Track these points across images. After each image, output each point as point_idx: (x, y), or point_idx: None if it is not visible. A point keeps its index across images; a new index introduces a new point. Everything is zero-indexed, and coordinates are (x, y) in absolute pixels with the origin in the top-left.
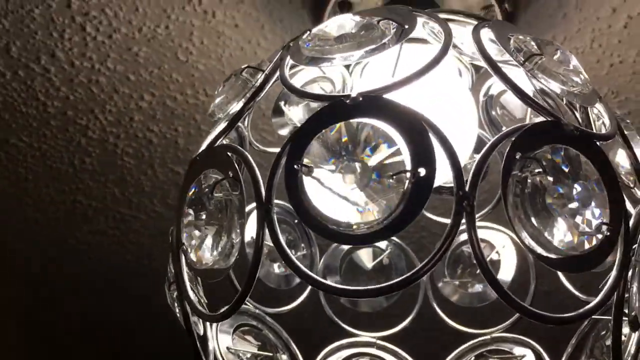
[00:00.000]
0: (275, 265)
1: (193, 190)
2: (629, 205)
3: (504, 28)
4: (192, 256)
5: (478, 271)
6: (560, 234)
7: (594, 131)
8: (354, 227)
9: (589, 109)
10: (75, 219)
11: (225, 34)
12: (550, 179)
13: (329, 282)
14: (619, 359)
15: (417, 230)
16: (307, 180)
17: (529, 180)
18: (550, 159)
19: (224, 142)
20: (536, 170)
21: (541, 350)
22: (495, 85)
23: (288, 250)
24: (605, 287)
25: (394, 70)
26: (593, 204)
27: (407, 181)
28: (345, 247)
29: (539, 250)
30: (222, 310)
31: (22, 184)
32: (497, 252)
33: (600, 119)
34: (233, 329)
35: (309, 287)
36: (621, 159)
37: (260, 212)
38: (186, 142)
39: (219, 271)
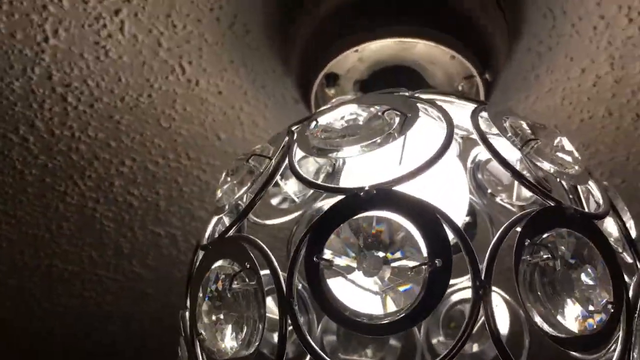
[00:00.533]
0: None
1: (209, 280)
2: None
3: (498, 112)
4: (210, 345)
5: (474, 331)
6: (571, 315)
7: (589, 210)
8: (375, 319)
9: (578, 186)
10: (51, 283)
11: (208, 100)
12: (559, 263)
13: None
14: None
15: None
16: (327, 272)
17: (539, 265)
18: (556, 243)
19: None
20: (545, 256)
21: None
22: (482, 153)
23: (310, 339)
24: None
25: (400, 159)
26: (599, 284)
27: (425, 273)
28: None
29: (550, 330)
30: None
31: None
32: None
33: (590, 194)
34: None
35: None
36: (609, 225)
37: (282, 306)
38: (167, 204)
39: (242, 359)
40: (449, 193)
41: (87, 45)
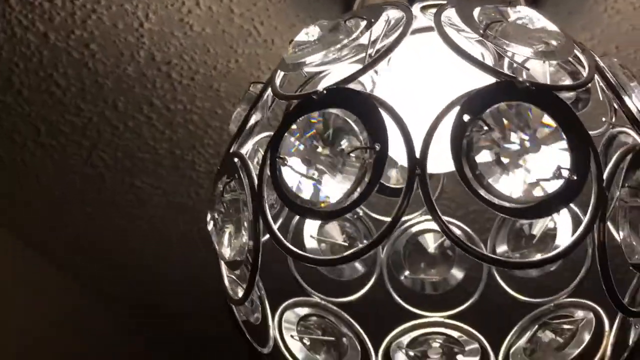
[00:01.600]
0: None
1: (215, 193)
2: None
3: (468, 5)
4: (218, 251)
5: (534, 241)
6: (519, 185)
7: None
8: (322, 204)
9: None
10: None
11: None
12: (499, 135)
13: (303, 252)
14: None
15: (482, 215)
16: (285, 169)
17: (477, 141)
18: (497, 116)
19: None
20: (484, 128)
21: (600, 310)
22: (517, 56)
23: (271, 221)
24: (580, 227)
25: (365, 60)
26: (548, 152)
27: (367, 158)
28: (407, 234)
29: (498, 202)
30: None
31: (146, 228)
32: (552, 219)
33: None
34: (298, 319)
35: (374, 277)
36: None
37: (254, 204)
38: None
39: (237, 262)
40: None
41: (174, 24)
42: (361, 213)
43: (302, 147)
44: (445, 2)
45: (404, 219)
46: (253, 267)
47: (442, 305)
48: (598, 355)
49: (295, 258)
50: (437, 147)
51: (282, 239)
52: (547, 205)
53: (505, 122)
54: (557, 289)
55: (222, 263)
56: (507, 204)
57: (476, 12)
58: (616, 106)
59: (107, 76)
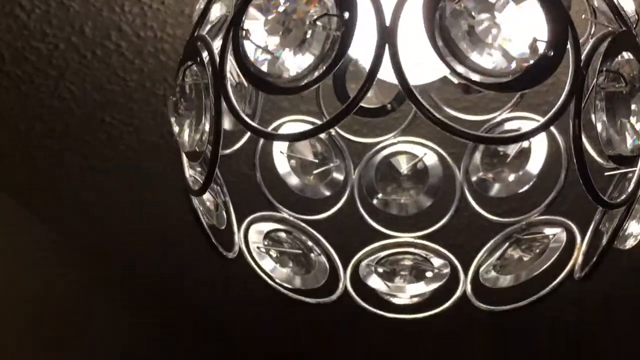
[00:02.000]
0: (309, 178)
1: (178, 80)
2: None
3: None
4: (178, 138)
5: (508, 160)
6: (497, 60)
7: None
8: (287, 78)
9: None
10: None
11: None
12: (472, 3)
13: (260, 126)
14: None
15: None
16: (247, 43)
17: (450, 12)
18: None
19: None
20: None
21: (572, 225)
22: None
23: (233, 98)
24: (558, 103)
25: None
26: (524, 26)
27: (335, 27)
28: (379, 156)
29: (475, 77)
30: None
31: (127, 162)
32: (529, 140)
33: None
34: (265, 233)
35: (345, 196)
36: None
37: (215, 82)
38: None
39: (197, 153)
40: None
41: None
42: (333, 132)
43: (264, 18)
44: None
45: (378, 139)
46: (214, 148)
47: (414, 228)
48: (569, 265)
49: (259, 135)
50: (417, 57)
51: (241, 112)
52: (527, 78)
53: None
54: (526, 211)
55: (183, 155)
56: (483, 79)
57: None
58: (595, 3)
59: None
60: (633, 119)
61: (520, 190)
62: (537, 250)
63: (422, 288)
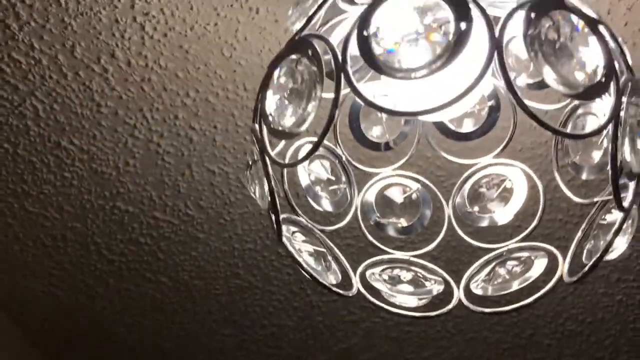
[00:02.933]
0: (325, 196)
1: (281, 71)
2: None
3: None
4: (273, 120)
5: (494, 197)
6: (573, 72)
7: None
8: (417, 70)
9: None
10: (111, 227)
11: (266, 29)
12: (562, 30)
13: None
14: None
15: (446, 175)
16: (374, 42)
17: (543, 33)
18: (560, 20)
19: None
20: (547, 25)
21: (553, 249)
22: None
23: (353, 78)
24: (607, 115)
25: None
26: (592, 53)
27: (452, 33)
28: (379, 184)
29: (558, 87)
30: (302, 156)
31: (67, 190)
32: (510, 180)
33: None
34: (291, 233)
35: (349, 216)
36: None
37: (337, 70)
38: (223, 139)
39: (291, 134)
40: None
41: None
42: (344, 158)
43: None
44: None
45: (380, 170)
46: (329, 120)
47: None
48: (555, 277)
49: (372, 106)
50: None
51: (362, 93)
52: (597, 88)
53: (561, 22)
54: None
55: (265, 131)
56: (563, 88)
57: None
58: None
59: (76, 17)
60: None
61: (501, 224)
62: (523, 269)
63: (420, 293)
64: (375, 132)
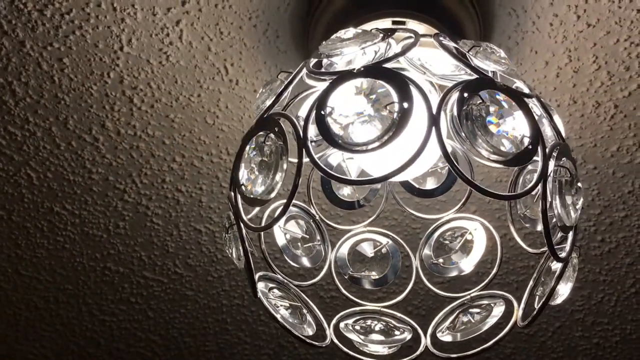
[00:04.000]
0: (301, 254)
1: (251, 143)
2: None
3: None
4: (245, 189)
5: (455, 250)
6: (504, 143)
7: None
8: (367, 142)
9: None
10: (102, 287)
11: (246, 98)
12: (491, 107)
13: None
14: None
15: (408, 224)
16: (330, 120)
17: (474, 110)
18: (488, 96)
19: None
20: (478, 102)
21: (509, 296)
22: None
23: (314, 154)
24: (536, 177)
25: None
26: (519, 124)
27: (397, 112)
28: (351, 240)
29: (493, 157)
30: (270, 220)
31: (59, 253)
32: (470, 233)
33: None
34: (268, 289)
35: (323, 271)
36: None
37: (299, 144)
38: (209, 200)
39: (262, 201)
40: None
41: (153, 52)
42: (317, 217)
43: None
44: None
45: (352, 227)
46: (293, 188)
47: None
48: (511, 322)
49: (328, 177)
50: (393, 157)
51: (322, 165)
52: (525, 156)
53: (489, 99)
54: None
55: (239, 198)
56: (495, 157)
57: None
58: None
59: (69, 92)
60: (575, 199)
61: (463, 274)
62: (483, 315)
63: (389, 341)
64: (345, 192)
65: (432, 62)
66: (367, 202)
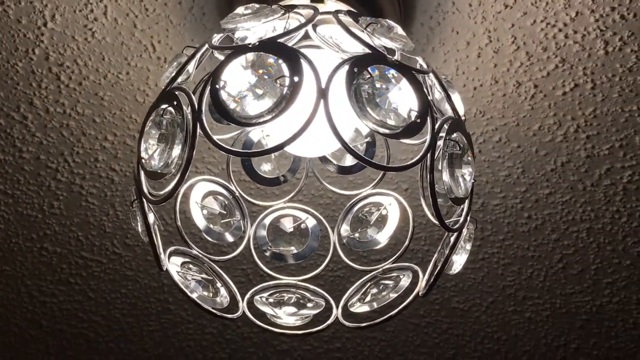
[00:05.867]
0: (220, 230)
1: (153, 116)
2: None
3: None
4: (145, 162)
5: (371, 225)
6: (395, 117)
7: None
8: (260, 116)
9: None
10: (40, 268)
11: None
12: (378, 83)
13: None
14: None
15: (330, 203)
16: (223, 93)
17: (363, 85)
18: (377, 72)
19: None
20: (367, 77)
21: (415, 267)
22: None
23: (209, 130)
24: (423, 150)
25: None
26: (408, 99)
27: (287, 85)
28: (271, 216)
29: (383, 130)
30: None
31: None
32: (385, 208)
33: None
34: (180, 264)
35: (241, 247)
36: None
37: (193, 118)
38: None
39: (160, 174)
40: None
41: (78, 28)
42: (237, 194)
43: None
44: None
45: (272, 203)
46: (187, 160)
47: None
48: (414, 292)
49: (221, 150)
50: (313, 134)
51: (215, 139)
52: (415, 128)
53: (379, 74)
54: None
55: (142, 174)
56: (391, 131)
57: (360, 20)
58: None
59: None
60: (464, 171)
61: (377, 247)
62: (390, 286)
63: (301, 314)
64: (265, 168)
65: (343, 39)
66: (287, 179)
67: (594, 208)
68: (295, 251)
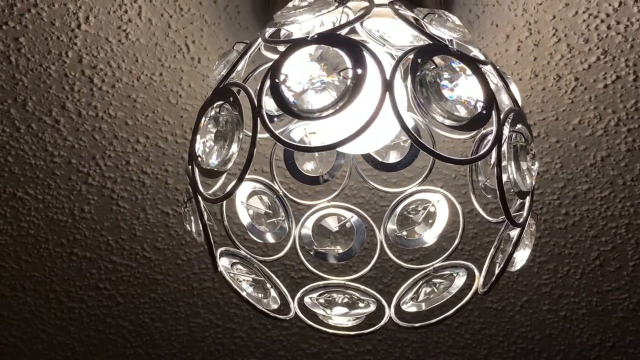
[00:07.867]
0: (265, 229)
1: (207, 113)
2: None
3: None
4: (201, 161)
5: (418, 223)
6: (460, 108)
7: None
8: (323, 110)
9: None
10: (70, 273)
11: (208, 76)
12: (445, 73)
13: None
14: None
15: (376, 201)
16: (283, 87)
17: (428, 75)
18: (443, 62)
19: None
20: (432, 67)
21: (470, 264)
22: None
23: (268, 123)
24: (490, 142)
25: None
26: (473, 90)
27: (350, 78)
28: (316, 216)
29: (449, 122)
30: (227, 191)
31: (24, 239)
32: (433, 205)
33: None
34: (230, 265)
35: (290, 242)
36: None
37: (254, 114)
38: (175, 181)
39: (218, 172)
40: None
41: (112, 30)
42: (281, 193)
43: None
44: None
45: (316, 202)
46: (248, 158)
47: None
48: (472, 290)
49: (287, 146)
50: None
51: (274, 130)
52: (479, 121)
53: (443, 65)
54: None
55: (196, 171)
56: (449, 122)
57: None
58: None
59: (27, 73)
60: (530, 164)
61: (426, 245)
62: (445, 285)
63: (353, 314)
64: (308, 167)
65: (390, 33)
66: (331, 177)
67: (633, 203)
68: (340, 251)
